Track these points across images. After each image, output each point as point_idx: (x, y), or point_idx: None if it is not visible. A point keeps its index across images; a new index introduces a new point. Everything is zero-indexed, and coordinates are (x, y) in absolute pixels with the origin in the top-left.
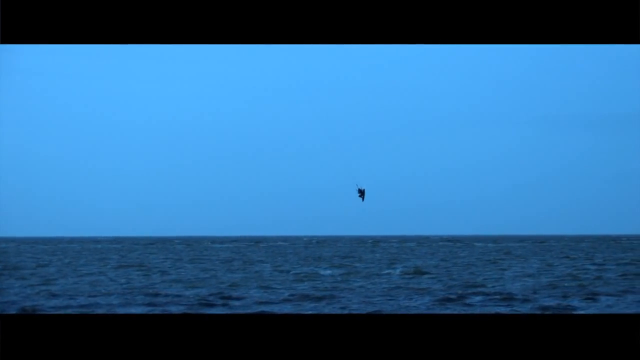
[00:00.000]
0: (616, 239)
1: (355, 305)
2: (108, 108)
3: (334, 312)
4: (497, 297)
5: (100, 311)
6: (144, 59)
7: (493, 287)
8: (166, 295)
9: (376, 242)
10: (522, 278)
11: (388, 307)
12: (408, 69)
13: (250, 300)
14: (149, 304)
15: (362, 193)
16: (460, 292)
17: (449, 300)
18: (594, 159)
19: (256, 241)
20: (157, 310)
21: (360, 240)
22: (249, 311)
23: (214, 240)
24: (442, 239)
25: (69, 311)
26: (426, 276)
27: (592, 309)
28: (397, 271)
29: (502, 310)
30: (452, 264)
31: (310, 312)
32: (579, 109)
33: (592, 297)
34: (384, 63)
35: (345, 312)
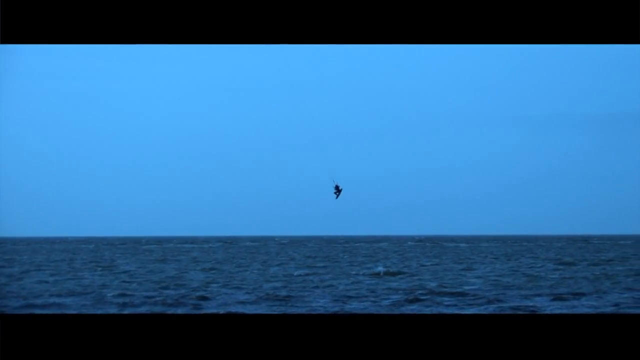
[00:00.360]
0: (587, 239)
1: (322, 306)
2: (80, 108)
3: (301, 312)
4: (464, 297)
5: (69, 312)
6: (116, 59)
7: (460, 287)
8: (132, 295)
9: (347, 242)
10: (489, 278)
11: (356, 307)
12: (389, 68)
13: (220, 301)
14: (119, 304)
15: (337, 190)
16: (427, 291)
17: (417, 300)
18: (575, 159)
19: (227, 241)
20: (127, 311)
21: (332, 241)
22: (218, 311)
23: (185, 240)
24: (413, 239)
25: (35, 311)
26: (394, 276)
27: (562, 309)
28: (367, 271)
29: (473, 310)
30: (420, 264)
31: (291, 313)
32: (562, 110)
33: (560, 296)
34: (364, 63)
35: (313, 312)
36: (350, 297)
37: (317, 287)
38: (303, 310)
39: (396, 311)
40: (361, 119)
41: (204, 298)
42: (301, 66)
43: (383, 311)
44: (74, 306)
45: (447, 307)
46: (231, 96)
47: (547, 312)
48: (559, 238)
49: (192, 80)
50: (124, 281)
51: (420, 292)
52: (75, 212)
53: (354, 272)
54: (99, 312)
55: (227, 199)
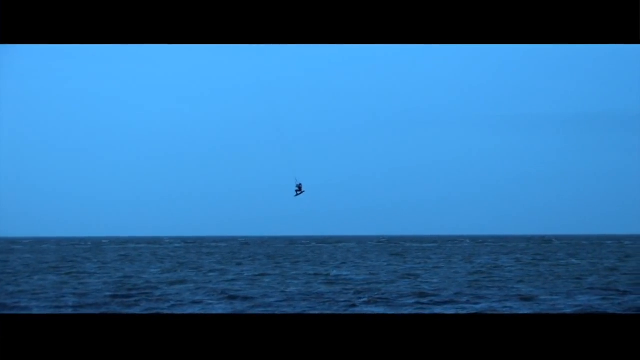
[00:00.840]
0: (550, 239)
1: (273, 304)
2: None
3: (248, 312)
4: (423, 297)
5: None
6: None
7: (417, 287)
8: (90, 295)
9: (312, 242)
10: (445, 278)
11: (306, 307)
12: (359, 68)
13: (176, 300)
14: (78, 305)
15: (299, 189)
16: (383, 292)
17: (374, 301)
18: (553, 160)
19: (190, 242)
20: (83, 310)
21: (297, 241)
22: (173, 311)
23: (148, 240)
24: (380, 239)
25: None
26: (354, 277)
27: (522, 309)
28: (324, 271)
29: (423, 311)
30: (380, 264)
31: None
32: (546, 110)
33: (522, 296)
34: (335, 62)
35: (260, 311)
36: (296, 297)
37: (271, 287)
38: (258, 311)
39: (350, 311)
40: (332, 119)
41: (160, 299)
42: (270, 66)
43: (339, 312)
44: (31, 307)
45: (400, 307)
46: (199, 97)
47: (507, 311)
48: (528, 238)
49: (153, 80)
50: (82, 282)
51: (375, 292)
52: (31, 213)
53: (312, 273)
54: (64, 312)
55: (192, 199)
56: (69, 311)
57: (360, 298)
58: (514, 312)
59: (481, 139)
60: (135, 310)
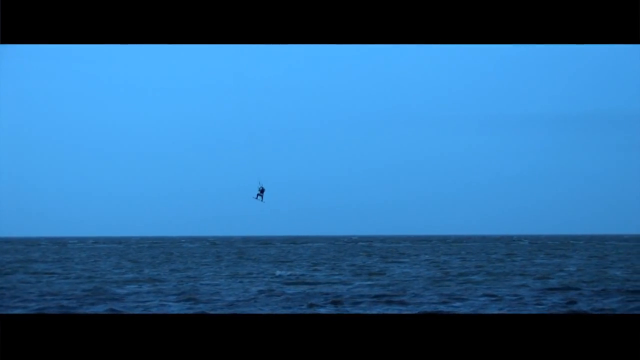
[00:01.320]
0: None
1: (229, 306)
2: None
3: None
4: (386, 298)
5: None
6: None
7: (377, 287)
8: (55, 295)
9: (280, 242)
10: (412, 277)
11: (262, 308)
12: (335, 67)
13: (130, 302)
14: (43, 307)
15: (261, 192)
16: (339, 292)
17: (328, 302)
18: (538, 160)
19: (154, 241)
20: (50, 311)
21: (267, 242)
22: (147, 312)
23: (116, 241)
24: (351, 239)
25: None
26: (309, 276)
27: (472, 308)
28: (282, 272)
29: (388, 311)
30: (339, 260)
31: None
32: (536, 110)
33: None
34: (308, 62)
35: (221, 312)
36: (264, 296)
37: (234, 287)
38: (220, 311)
39: (311, 311)
40: (303, 118)
41: (115, 298)
42: (240, 65)
43: (303, 312)
44: None
45: (369, 307)
46: (170, 96)
47: (473, 312)
48: (497, 238)
49: (121, 80)
50: (46, 282)
51: (340, 292)
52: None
53: (277, 273)
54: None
55: (161, 199)
56: (33, 311)
57: (325, 299)
58: (479, 311)
59: (462, 139)
60: (98, 310)
